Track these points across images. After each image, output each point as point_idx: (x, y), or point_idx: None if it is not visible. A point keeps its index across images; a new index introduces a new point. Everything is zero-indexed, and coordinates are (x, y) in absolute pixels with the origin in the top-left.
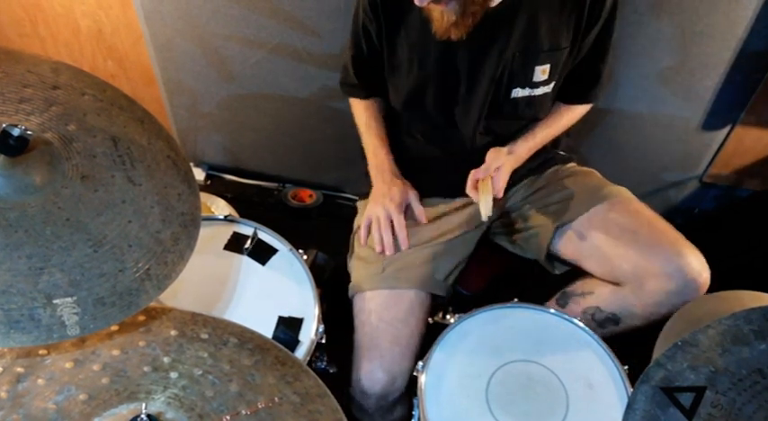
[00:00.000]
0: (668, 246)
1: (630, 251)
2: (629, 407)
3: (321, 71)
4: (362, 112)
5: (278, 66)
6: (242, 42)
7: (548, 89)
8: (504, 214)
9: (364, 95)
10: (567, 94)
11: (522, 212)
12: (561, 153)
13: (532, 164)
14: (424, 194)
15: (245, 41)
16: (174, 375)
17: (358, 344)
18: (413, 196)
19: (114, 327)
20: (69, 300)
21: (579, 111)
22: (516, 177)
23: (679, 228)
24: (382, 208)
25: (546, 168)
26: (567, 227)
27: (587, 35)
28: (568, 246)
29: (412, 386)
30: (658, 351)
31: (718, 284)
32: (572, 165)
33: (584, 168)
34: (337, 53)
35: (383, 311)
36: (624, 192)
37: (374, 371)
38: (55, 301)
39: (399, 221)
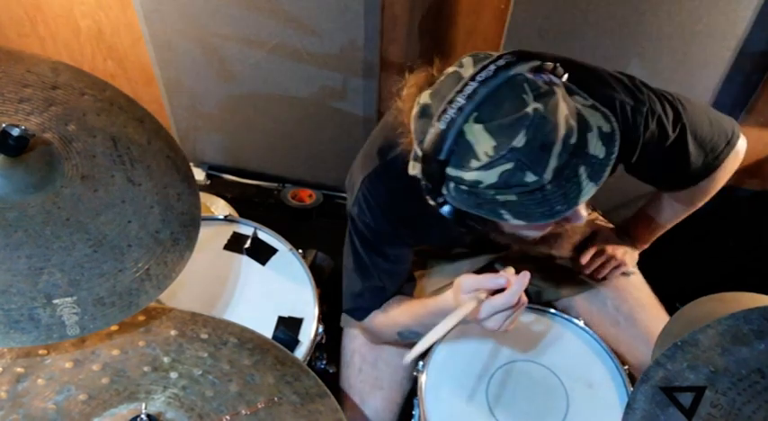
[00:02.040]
0: (652, 340)
1: (621, 336)
2: (629, 407)
3: (321, 71)
4: (393, 317)
5: (278, 66)
6: (242, 42)
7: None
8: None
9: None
10: (672, 183)
11: (530, 263)
12: None
13: None
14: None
15: (245, 41)
16: (173, 375)
17: (341, 384)
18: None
19: (114, 327)
20: (69, 299)
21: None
22: None
23: (679, 227)
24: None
25: None
26: (566, 299)
27: (629, 160)
28: (568, 307)
29: (412, 387)
30: (658, 351)
31: (717, 285)
32: (592, 212)
33: (601, 224)
34: (337, 53)
35: (367, 352)
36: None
37: (357, 417)
38: (55, 301)
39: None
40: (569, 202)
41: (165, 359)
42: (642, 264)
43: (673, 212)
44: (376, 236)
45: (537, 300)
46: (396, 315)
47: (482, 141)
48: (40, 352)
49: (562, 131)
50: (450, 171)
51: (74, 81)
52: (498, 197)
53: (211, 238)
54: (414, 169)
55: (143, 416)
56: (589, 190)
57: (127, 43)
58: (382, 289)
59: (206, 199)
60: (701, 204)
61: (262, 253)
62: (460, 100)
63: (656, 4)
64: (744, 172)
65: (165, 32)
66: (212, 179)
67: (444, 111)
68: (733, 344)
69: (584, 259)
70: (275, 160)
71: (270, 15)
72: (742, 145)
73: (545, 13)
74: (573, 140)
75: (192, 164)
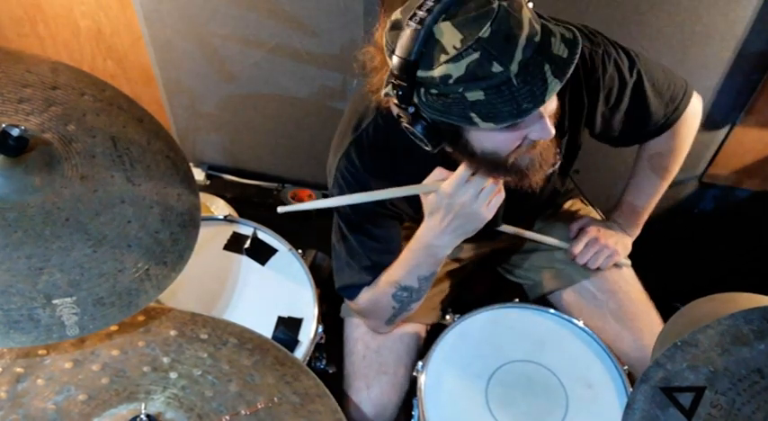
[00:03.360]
0: (638, 335)
1: (608, 329)
2: (629, 407)
3: (320, 71)
4: (382, 282)
5: (277, 66)
6: (241, 42)
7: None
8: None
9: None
10: (637, 137)
11: (525, 256)
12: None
13: (553, 198)
14: None
15: (245, 41)
16: (173, 375)
17: (346, 371)
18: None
19: (114, 328)
20: (69, 300)
21: (664, 141)
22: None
23: (678, 227)
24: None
25: (563, 202)
26: (559, 291)
27: (593, 116)
28: (558, 301)
29: (412, 387)
30: (657, 351)
31: (717, 285)
32: (586, 206)
33: (594, 216)
34: (337, 53)
35: (370, 339)
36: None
37: (362, 403)
38: (54, 301)
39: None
40: (536, 99)
41: (165, 359)
42: (641, 264)
43: (651, 185)
44: (359, 214)
45: (531, 294)
46: (383, 281)
47: (450, 36)
48: (40, 352)
49: (526, 29)
50: (421, 73)
51: (73, 81)
52: (467, 94)
53: (211, 239)
54: (386, 87)
55: (143, 416)
56: (554, 86)
57: (126, 43)
58: (371, 266)
59: (206, 199)
60: (675, 169)
61: (261, 253)
62: (429, 2)
63: (656, 4)
64: (744, 172)
65: (164, 32)
66: (212, 179)
67: (414, 14)
68: (733, 345)
69: (577, 248)
70: (275, 160)
71: (269, 15)
72: (697, 101)
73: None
74: (537, 39)
75: (191, 164)
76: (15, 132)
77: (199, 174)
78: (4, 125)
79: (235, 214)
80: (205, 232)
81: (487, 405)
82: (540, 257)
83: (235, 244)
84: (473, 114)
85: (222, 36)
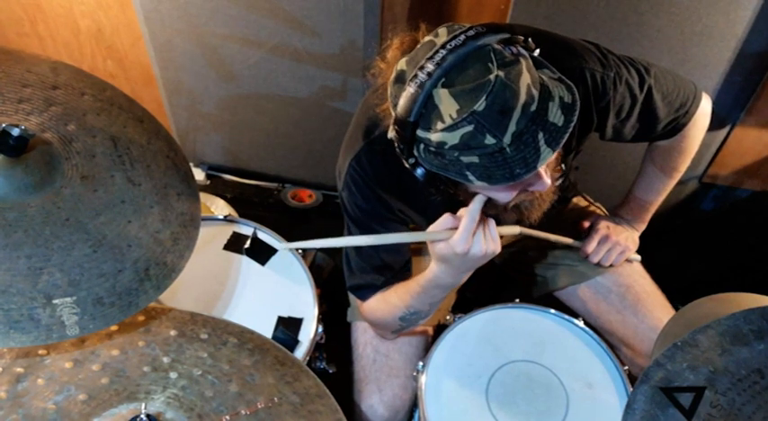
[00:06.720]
0: (652, 331)
1: (626, 323)
2: (629, 408)
3: (320, 71)
4: (392, 302)
5: (277, 65)
6: (241, 42)
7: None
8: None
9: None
10: (646, 139)
11: (533, 254)
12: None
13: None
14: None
15: (245, 41)
16: (173, 375)
17: (356, 376)
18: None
19: (114, 328)
20: (69, 300)
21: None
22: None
23: (679, 228)
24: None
25: (569, 199)
26: (574, 288)
27: (604, 128)
28: (572, 297)
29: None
30: (657, 351)
31: (717, 285)
32: (591, 205)
33: (599, 212)
34: (337, 53)
35: (379, 343)
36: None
37: (375, 407)
38: (54, 301)
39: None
40: (528, 166)
41: (165, 359)
42: (642, 264)
43: (659, 182)
44: (369, 216)
45: (541, 291)
46: (394, 298)
47: (447, 105)
48: (40, 352)
49: (523, 98)
50: (420, 133)
51: (73, 81)
52: (462, 158)
53: (211, 238)
54: (391, 132)
55: (143, 416)
56: (547, 155)
57: (126, 43)
58: (382, 266)
59: (206, 199)
60: (684, 168)
61: (261, 253)
62: (430, 66)
63: (656, 4)
64: (744, 172)
65: (164, 32)
66: (212, 179)
67: (415, 75)
68: (733, 345)
69: (590, 247)
70: (275, 160)
71: (269, 15)
72: (707, 102)
73: (545, 13)
74: (533, 108)
75: (191, 164)
76: (15, 132)
77: (199, 174)
78: (4, 125)
79: (235, 214)
80: (205, 232)
81: (488, 405)
82: (550, 255)
83: (235, 244)
84: (468, 173)
85: (222, 36)
